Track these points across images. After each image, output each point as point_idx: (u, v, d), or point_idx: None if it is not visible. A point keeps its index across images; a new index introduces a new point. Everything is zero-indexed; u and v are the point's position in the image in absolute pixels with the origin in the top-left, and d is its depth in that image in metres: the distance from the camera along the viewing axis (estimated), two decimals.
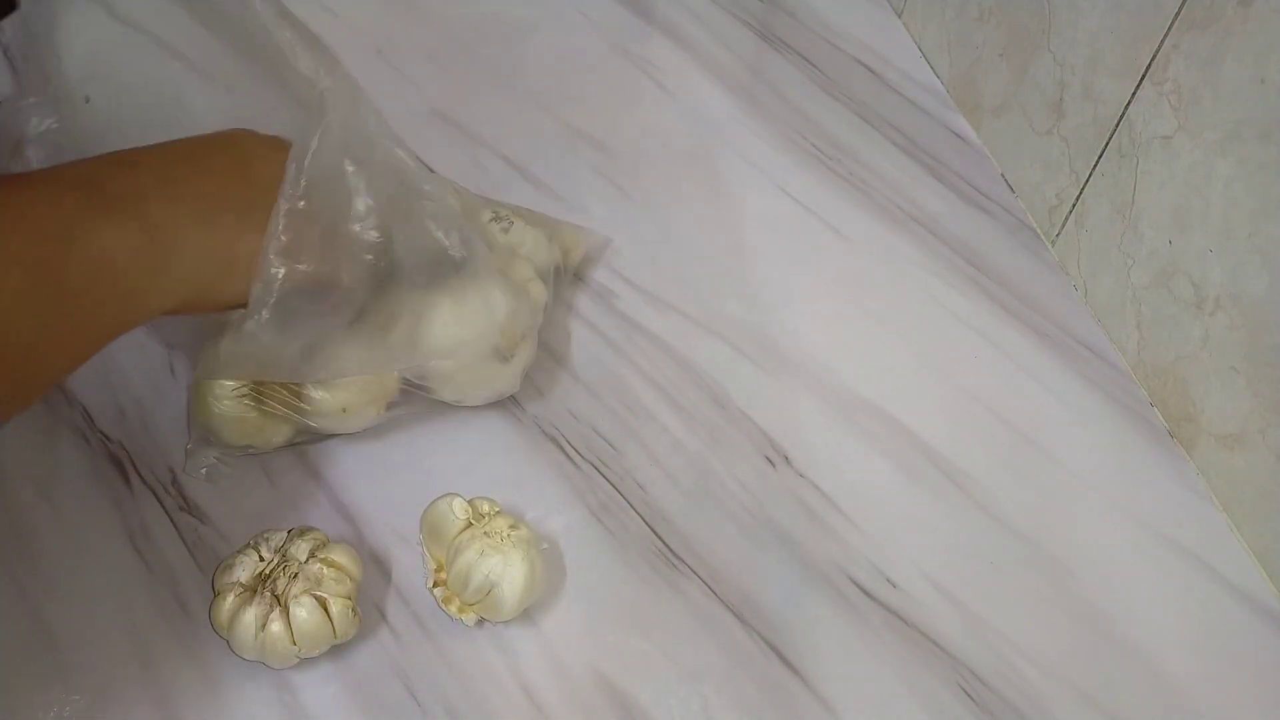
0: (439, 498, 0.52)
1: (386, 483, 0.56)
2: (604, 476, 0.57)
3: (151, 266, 0.44)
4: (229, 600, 0.48)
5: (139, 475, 0.55)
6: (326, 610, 0.48)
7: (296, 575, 0.48)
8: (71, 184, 0.43)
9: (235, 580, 0.48)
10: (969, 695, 0.52)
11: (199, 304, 0.47)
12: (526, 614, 0.52)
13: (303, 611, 0.47)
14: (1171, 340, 0.61)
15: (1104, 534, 0.58)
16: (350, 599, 0.49)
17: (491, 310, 0.55)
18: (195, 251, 0.45)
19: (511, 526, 0.51)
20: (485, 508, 0.52)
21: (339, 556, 0.49)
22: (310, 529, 0.50)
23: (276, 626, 0.47)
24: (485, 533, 0.50)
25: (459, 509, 0.51)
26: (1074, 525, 0.58)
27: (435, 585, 0.51)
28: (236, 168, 0.48)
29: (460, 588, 0.50)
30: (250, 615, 0.47)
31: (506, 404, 0.60)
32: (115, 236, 0.42)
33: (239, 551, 0.49)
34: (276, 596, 0.48)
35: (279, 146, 0.49)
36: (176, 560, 0.52)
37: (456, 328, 0.55)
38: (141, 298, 0.44)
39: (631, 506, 0.56)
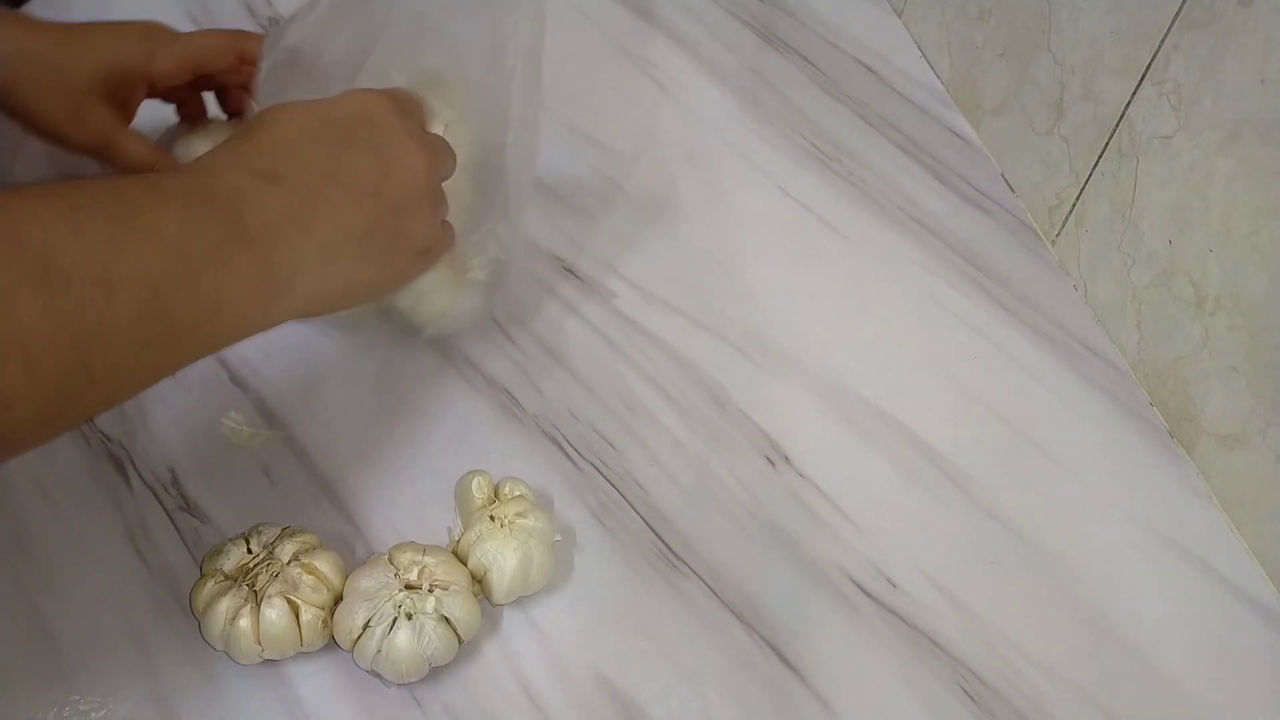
0: (470, 471, 0.53)
1: (387, 482, 0.56)
2: (604, 476, 0.57)
3: (264, 307, 0.43)
4: (209, 585, 0.48)
5: (139, 475, 0.55)
6: (298, 616, 0.47)
7: (277, 575, 0.48)
8: (211, 202, 0.41)
9: (219, 567, 0.48)
10: (969, 695, 0.52)
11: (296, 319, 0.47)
12: (526, 614, 0.52)
13: (273, 613, 0.47)
14: (1171, 340, 0.61)
15: (1104, 534, 0.58)
16: (324, 609, 0.48)
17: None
18: (310, 289, 0.45)
19: (519, 514, 0.51)
20: (508, 489, 0.53)
21: (322, 565, 0.49)
22: (303, 530, 0.50)
23: (244, 622, 0.46)
24: (492, 516, 0.51)
25: (478, 487, 0.53)
26: (1074, 525, 0.58)
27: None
28: (375, 180, 0.47)
29: (463, 561, 0.51)
30: (224, 605, 0.47)
31: (507, 403, 0.60)
32: (236, 279, 0.41)
33: (232, 540, 0.49)
34: (255, 592, 0.47)
35: (416, 135, 0.49)
36: (176, 560, 0.52)
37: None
38: (243, 331, 0.43)
39: (631, 506, 0.56)
